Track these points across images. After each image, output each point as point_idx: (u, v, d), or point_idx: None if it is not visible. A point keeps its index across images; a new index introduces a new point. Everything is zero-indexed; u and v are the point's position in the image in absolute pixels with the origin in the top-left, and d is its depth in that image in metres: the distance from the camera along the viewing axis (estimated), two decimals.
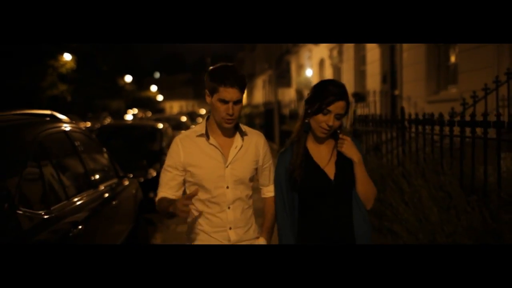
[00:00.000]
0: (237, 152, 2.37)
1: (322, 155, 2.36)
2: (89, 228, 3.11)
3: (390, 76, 11.69)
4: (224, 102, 2.25)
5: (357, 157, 2.30)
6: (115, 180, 4.22)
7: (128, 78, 41.47)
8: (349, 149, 2.31)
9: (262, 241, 2.45)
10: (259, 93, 39.19)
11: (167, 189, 2.38)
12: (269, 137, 18.10)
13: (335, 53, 16.50)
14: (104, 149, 4.42)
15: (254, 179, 2.49)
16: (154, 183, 5.07)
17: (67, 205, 2.98)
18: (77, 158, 3.55)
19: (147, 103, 53.48)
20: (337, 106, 2.23)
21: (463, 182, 3.87)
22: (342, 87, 2.27)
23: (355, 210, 2.33)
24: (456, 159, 4.07)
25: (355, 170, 2.31)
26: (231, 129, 2.39)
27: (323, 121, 2.25)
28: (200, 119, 31.87)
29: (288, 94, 24.80)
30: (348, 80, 14.45)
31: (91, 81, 29.85)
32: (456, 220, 3.56)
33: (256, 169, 2.47)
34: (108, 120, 28.69)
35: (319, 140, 2.37)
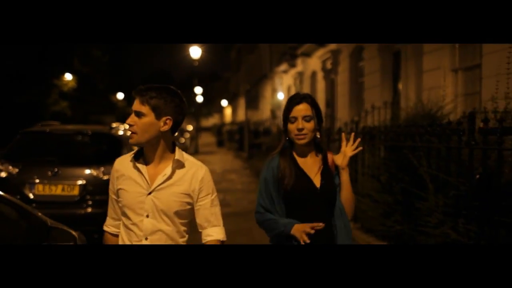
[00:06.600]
0: (163, 181, 2.22)
1: (309, 165, 2.45)
2: None
3: (331, 102, 15.64)
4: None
5: (344, 164, 2.43)
6: None
7: (120, 96, 44.05)
8: (338, 157, 2.46)
9: None
10: (242, 112, 42.48)
11: (113, 214, 2.38)
12: (240, 148, 22.77)
13: (298, 81, 20.52)
14: None
15: (188, 216, 2.29)
16: None
17: None
18: None
19: None
20: (299, 110, 2.33)
21: None
22: (302, 95, 2.41)
23: (337, 216, 2.42)
24: None
25: (340, 176, 2.45)
26: (166, 158, 2.27)
27: (293, 128, 2.35)
28: (187, 135, 34.04)
29: (266, 113, 28.72)
30: None
31: (88, 98, 32.22)
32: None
33: (189, 204, 2.27)
34: None
35: (304, 153, 2.46)
